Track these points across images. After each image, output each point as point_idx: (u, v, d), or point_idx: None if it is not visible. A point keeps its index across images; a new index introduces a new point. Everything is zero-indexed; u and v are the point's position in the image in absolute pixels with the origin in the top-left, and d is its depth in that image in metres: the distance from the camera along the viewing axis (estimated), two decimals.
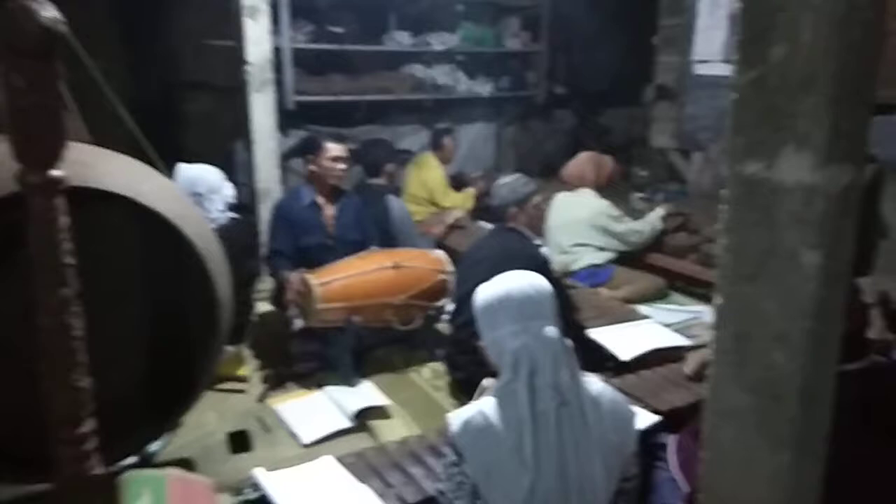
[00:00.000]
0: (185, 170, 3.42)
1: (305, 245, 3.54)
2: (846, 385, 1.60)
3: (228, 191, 3.57)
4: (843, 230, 1.29)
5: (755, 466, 1.41)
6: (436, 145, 5.52)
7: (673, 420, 2.36)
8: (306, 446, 2.77)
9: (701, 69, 5.99)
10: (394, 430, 2.84)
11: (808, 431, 1.39)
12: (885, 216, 4.54)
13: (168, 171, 3.31)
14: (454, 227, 5.07)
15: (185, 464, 2.65)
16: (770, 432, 1.37)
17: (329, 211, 3.65)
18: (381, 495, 2.00)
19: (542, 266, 2.81)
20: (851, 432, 1.68)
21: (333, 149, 3.60)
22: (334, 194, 3.68)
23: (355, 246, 3.51)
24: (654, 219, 4.58)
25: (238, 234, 3.63)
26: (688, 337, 3.38)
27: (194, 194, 3.41)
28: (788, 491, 1.40)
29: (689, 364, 2.73)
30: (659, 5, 6.41)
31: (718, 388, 1.44)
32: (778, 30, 1.21)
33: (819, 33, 1.19)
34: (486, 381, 2.73)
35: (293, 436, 2.85)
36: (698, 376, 2.57)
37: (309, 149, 3.74)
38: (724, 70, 5.38)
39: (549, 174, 7.11)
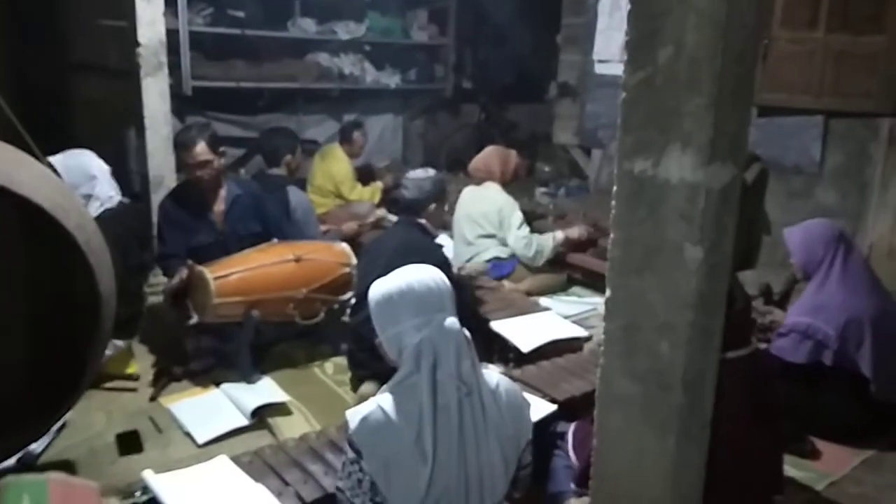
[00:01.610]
0: (71, 157, 3.22)
1: (196, 245, 3.31)
2: (730, 371, 1.69)
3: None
4: (724, 226, 1.35)
5: (642, 451, 1.47)
6: (345, 138, 5.42)
7: (570, 409, 2.42)
8: (201, 446, 2.67)
9: (601, 69, 6.18)
10: (294, 427, 2.78)
11: (692, 417, 1.46)
12: (767, 213, 4.85)
13: (48, 156, 3.12)
14: (376, 226, 4.96)
15: (70, 466, 2.52)
16: (656, 419, 1.43)
17: (218, 206, 3.41)
18: (279, 494, 1.96)
19: (441, 262, 2.81)
20: (733, 416, 1.78)
21: (188, 156, 3.26)
22: (216, 189, 3.40)
23: (250, 240, 3.34)
24: (545, 242, 4.33)
25: (128, 220, 3.45)
26: (586, 328, 3.49)
27: (91, 177, 3.28)
28: (674, 474, 1.46)
29: (588, 348, 2.83)
30: (562, 4, 6.57)
31: (608, 376, 1.49)
32: (664, 32, 1.26)
33: (703, 36, 1.24)
34: (366, 388, 2.73)
35: (187, 436, 2.74)
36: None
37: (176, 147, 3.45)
38: (623, 70, 5.58)
39: (456, 168, 7.17)
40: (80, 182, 3.24)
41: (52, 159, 3.12)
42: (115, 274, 2.30)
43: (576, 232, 4.50)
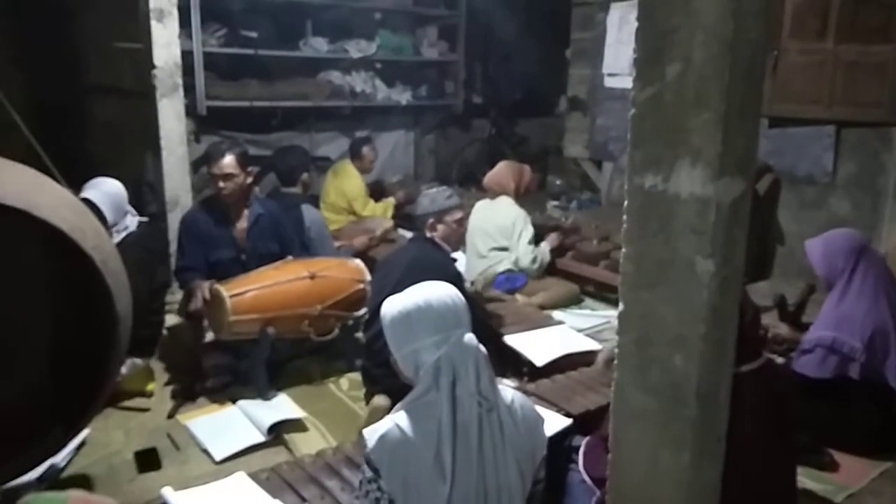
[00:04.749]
0: (107, 195, 3.29)
1: (216, 260, 3.38)
2: (744, 385, 1.69)
3: None
4: (735, 239, 1.36)
5: (658, 466, 1.47)
6: (355, 154, 5.48)
7: (585, 422, 2.42)
8: (219, 463, 2.69)
9: (611, 82, 6.21)
10: (310, 443, 2.80)
11: (707, 431, 1.46)
12: (781, 224, 4.83)
13: (66, 178, 3.18)
14: (384, 239, 5.01)
15: (89, 484, 2.54)
16: (671, 432, 1.43)
17: (241, 223, 3.47)
18: None
19: (453, 278, 2.82)
20: (749, 430, 1.78)
21: (215, 167, 3.36)
22: (241, 205, 3.46)
23: (269, 258, 3.39)
24: (544, 250, 4.54)
25: (149, 242, 3.52)
26: (600, 341, 3.49)
27: (125, 213, 3.40)
28: (689, 488, 1.46)
29: (600, 357, 2.82)
30: (571, 19, 6.61)
31: (622, 391, 1.49)
32: (673, 49, 1.28)
33: (710, 52, 1.25)
34: (377, 400, 2.73)
35: (205, 453, 2.76)
36: (608, 367, 2.63)
37: (206, 160, 3.54)
38: (632, 86, 5.60)
39: (468, 183, 7.21)
40: (119, 219, 3.33)
41: (90, 196, 3.18)
42: (141, 295, 2.33)
43: (555, 241, 4.70)
